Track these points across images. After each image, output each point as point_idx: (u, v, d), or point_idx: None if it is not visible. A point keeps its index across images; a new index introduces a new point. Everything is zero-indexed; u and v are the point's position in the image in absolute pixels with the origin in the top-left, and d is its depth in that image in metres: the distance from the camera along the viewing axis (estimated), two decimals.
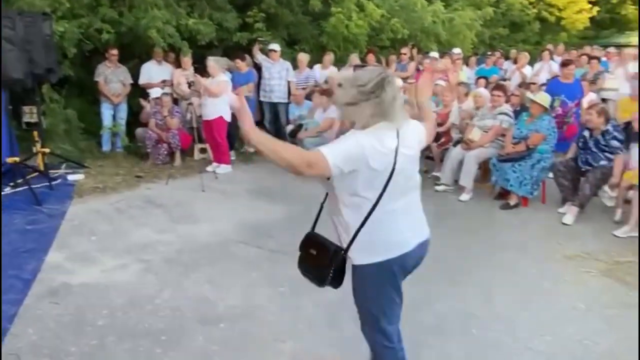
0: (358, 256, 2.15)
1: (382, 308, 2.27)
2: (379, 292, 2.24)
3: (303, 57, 8.66)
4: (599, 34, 22.66)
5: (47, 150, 6.40)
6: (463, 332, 3.31)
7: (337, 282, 2.22)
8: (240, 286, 3.86)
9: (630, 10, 24.81)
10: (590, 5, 21.06)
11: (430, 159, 7.19)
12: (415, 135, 2.29)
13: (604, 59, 11.29)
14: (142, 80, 7.88)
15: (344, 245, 2.16)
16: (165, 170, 6.85)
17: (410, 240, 2.23)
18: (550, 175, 5.97)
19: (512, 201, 5.85)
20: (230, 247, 4.61)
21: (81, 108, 7.91)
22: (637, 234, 4.85)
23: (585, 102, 7.50)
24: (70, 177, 6.53)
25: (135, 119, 8.03)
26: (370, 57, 9.17)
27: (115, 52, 7.59)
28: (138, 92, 8.04)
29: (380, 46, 10.17)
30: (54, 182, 6.25)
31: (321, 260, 2.22)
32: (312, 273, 2.33)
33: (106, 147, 7.96)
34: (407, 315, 3.41)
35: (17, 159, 6.15)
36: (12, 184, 6.03)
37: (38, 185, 6.01)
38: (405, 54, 9.66)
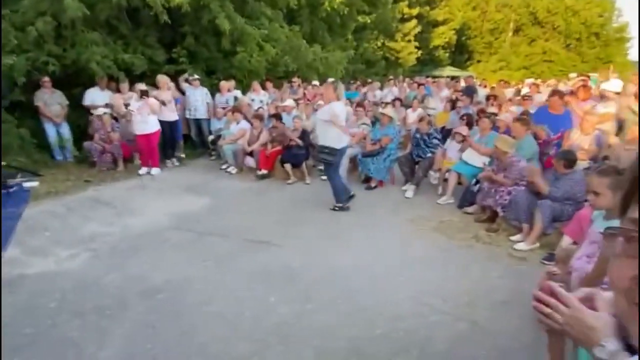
0: None
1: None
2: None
3: (224, 84, 8.16)
4: (423, 68, 24.32)
5: (3, 163, 5.44)
6: (348, 277, 3.30)
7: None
8: (174, 263, 3.54)
9: (441, 53, 26.86)
10: (416, 50, 22.51)
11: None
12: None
13: (427, 85, 12.01)
14: (85, 102, 7.00)
15: None
16: (110, 174, 6.15)
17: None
18: (396, 164, 6.15)
19: (373, 184, 5.97)
20: (165, 233, 4.21)
21: (35, 126, 6.84)
22: (452, 201, 5.18)
23: (416, 115, 7.89)
24: (26, 185, 5.59)
25: (83, 134, 7.13)
26: (267, 84, 8.98)
27: (47, 79, 6.56)
28: (83, 112, 7.14)
29: (277, 76, 9.97)
30: (10, 190, 5.34)
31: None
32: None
33: (58, 157, 7.01)
34: (307, 268, 3.34)
35: None
36: None
37: None
38: (295, 82, 9.58)
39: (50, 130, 6.81)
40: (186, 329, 2.64)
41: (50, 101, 6.68)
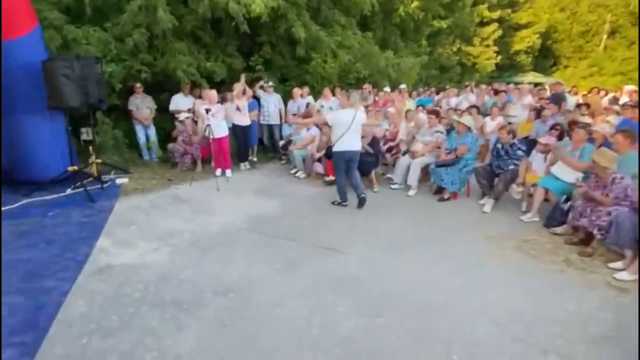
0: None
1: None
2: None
3: (296, 91, 8.32)
4: (502, 74, 22.91)
5: (99, 160, 6.06)
6: (419, 293, 3.14)
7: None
8: (246, 264, 3.63)
9: (522, 58, 25.12)
10: (495, 54, 21.30)
11: (385, 164, 7.03)
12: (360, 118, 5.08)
13: (508, 92, 11.22)
14: (171, 107, 7.55)
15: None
16: (189, 174, 6.56)
17: (347, 147, 5.00)
18: (473, 176, 5.78)
19: (446, 195, 5.70)
20: (238, 233, 4.36)
21: (127, 128, 7.56)
22: (538, 219, 4.75)
23: (495, 124, 7.42)
24: (118, 181, 6.20)
25: (167, 136, 7.72)
26: (337, 90, 8.98)
27: (139, 85, 7.22)
28: (168, 117, 7.72)
29: (348, 83, 9.99)
30: (104, 185, 5.92)
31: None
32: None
33: (145, 157, 7.67)
34: (367, 284, 3.23)
35: (76, 167, 5.83)
36: (72, 186, 5.72)
37: (92, 187, 5.69)
38: (365, 88, 9.49)
39: (139, 132, 7.46)
40: (254, 331, 2.67)
41: (141, 105, 7.32)
